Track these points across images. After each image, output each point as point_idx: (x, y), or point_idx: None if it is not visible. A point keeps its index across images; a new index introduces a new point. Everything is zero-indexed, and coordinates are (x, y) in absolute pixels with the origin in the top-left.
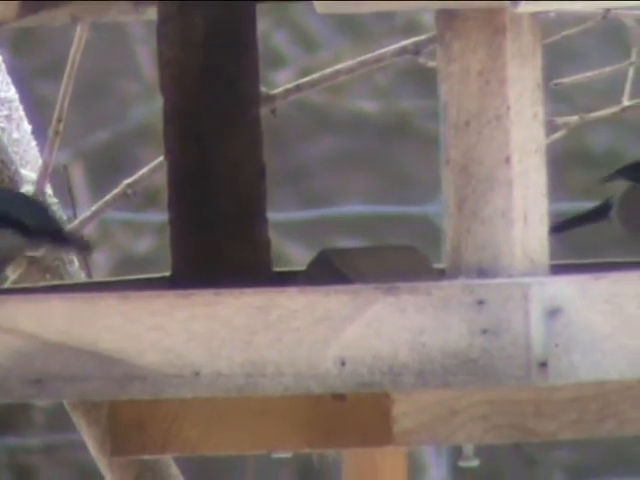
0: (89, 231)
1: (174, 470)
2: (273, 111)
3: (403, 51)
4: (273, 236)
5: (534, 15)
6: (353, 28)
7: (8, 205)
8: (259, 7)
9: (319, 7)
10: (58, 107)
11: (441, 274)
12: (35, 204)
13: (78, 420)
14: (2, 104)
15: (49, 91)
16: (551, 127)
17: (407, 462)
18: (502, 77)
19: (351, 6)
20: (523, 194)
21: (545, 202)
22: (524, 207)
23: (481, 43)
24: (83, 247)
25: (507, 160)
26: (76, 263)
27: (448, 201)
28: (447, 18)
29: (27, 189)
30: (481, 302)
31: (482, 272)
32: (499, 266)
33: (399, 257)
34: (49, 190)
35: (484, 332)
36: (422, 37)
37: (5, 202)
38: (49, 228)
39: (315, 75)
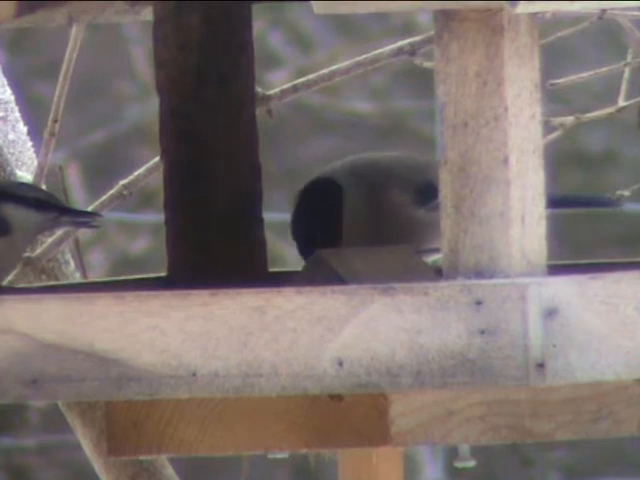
0: (85, 231)
1: (169, 471)
2: (269, 111)
3: (399, 52)
4: (269, 236)
5: (532, 16)
6: (349, 29)
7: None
8: (255, 8)
9: (316, 7)
10: (54, 108)
11: (438, 274)
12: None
13: (73, 421)
14: None
15: (45, 92)
16: (547, 128)
17: (403, 462)
18: (500, 78)
19: (349, 6)
20: (521, 194)
21: (543, 202)
22: (522, 207)
23: (479, 44)
24: (91, 217)
25: (505, 160)
26: (72, 264)
27: (445, 201)
28: (445, 19)
29: None
30: (479, 302)
31: (480, 272)
32: (497, 266)
33: (395, 257)
34: None
35: (482, 332)
36: (418, 38)
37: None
38: (54, 201)
39: (311, 76)
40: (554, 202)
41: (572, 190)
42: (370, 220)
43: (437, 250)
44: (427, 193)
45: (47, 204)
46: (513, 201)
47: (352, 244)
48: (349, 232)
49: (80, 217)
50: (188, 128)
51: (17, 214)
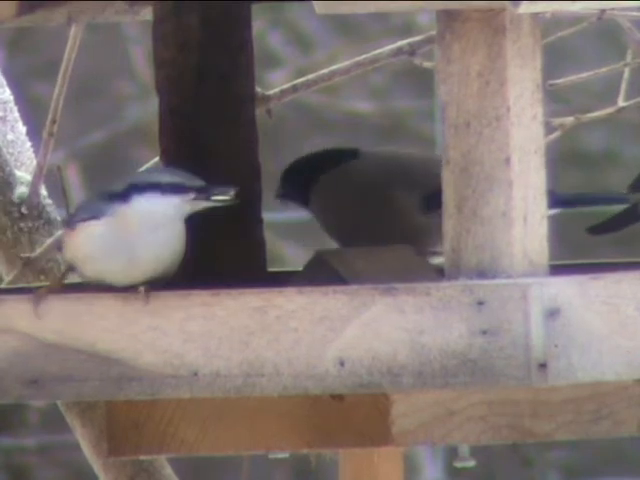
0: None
1: (168, 471)
2: (269, 111)
3: (399, 52)
4: (269, 236)
5: (534, 16)
6: (349, 29)
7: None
8: (255, 8)
9: (318, 7)
10: (52, 108)
11: (440, 274)
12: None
13: (72, 421)
14: None
15: (44, 92)
16: (547, 128)
17: (404, 462)
18: (502, 78)
19: (349, 6)
20: (523, 194)
21: (545, 202)
22: (524, 208)
23: (481, 44)
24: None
25: (507, 161)
26: None
27: (448, 201)
28: (447, 19)
29: (21, 190)
30: (481, 302)
31: (482, 272)
32: (499, 266)
33: (397, 257)
34: (44, 191)
35: (484, 333)
36: (418, 38)
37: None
38: (189, 183)
39: (311, 76)
40: (566, 201)
41: (573, 190)
42: (370, 213)
43: (437, 253)
44: (434, 200)
45: (183, 187)
46: (515, 201)
47: (346, 229)
48: (344, 214)
49: (215, 193)
50: (188, 128)
51: (157, 203)
